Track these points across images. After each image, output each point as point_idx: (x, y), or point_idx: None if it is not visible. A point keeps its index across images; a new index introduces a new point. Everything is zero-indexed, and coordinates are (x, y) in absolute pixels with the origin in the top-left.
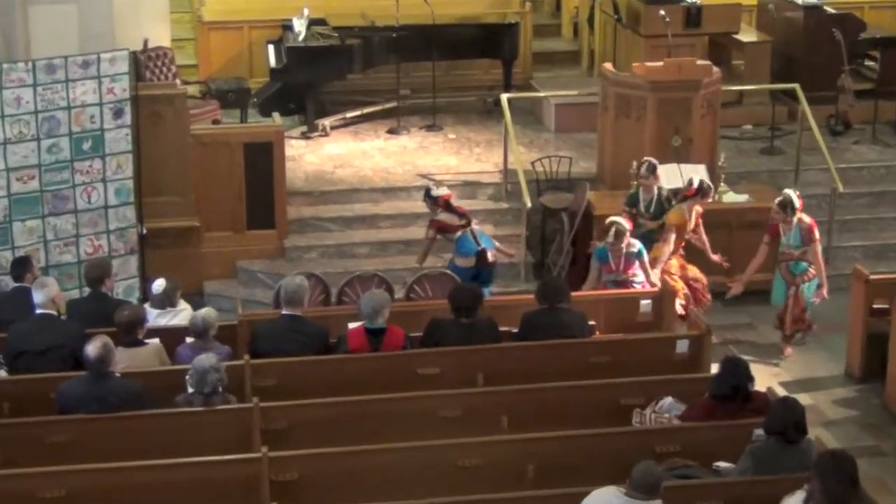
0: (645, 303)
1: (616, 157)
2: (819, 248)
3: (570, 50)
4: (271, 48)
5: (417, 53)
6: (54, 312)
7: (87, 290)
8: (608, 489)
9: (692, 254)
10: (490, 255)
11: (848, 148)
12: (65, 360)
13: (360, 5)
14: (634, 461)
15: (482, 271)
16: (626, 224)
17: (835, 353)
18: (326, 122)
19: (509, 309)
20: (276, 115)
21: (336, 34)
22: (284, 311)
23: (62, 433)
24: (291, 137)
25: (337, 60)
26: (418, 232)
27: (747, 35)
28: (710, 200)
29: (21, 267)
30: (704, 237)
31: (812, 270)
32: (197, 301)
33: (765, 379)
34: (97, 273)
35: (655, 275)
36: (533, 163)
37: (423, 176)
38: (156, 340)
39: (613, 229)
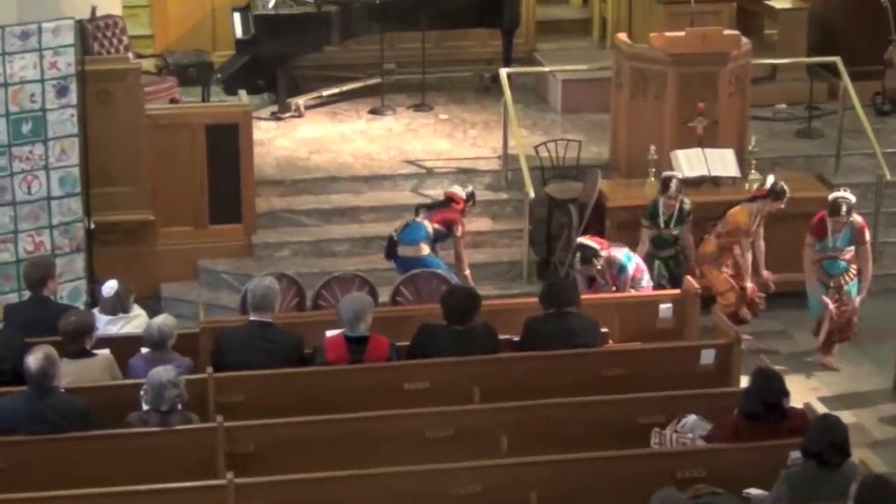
0: (665, 307)
1: (631, 141)
2: (870, 252)
3: (580, 18)
4: (237, 17)
5: (404, 22)
6: None
7: (26, 294)
8: None
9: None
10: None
11: None
12: (2, 373)
13: None
14: (653, 488)
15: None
16: (594, 245)
17: (882, 365)
18: (300, 100)
19: (510, 314)
20: (242, 93)
21: (311, 0)
22: (252, 318)
23: None
24: (260, 119)
25: (312, 30)
26: None
27: (781, 1)
28: (781, 206)
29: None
30: (762, 247)
31: (853, 270)
32: (153, 306)
33: (802, 394)
34: (39, 274)
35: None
36: (536, 147)
37: (411, 162)
38: (106, 351)
39: (578, 255)
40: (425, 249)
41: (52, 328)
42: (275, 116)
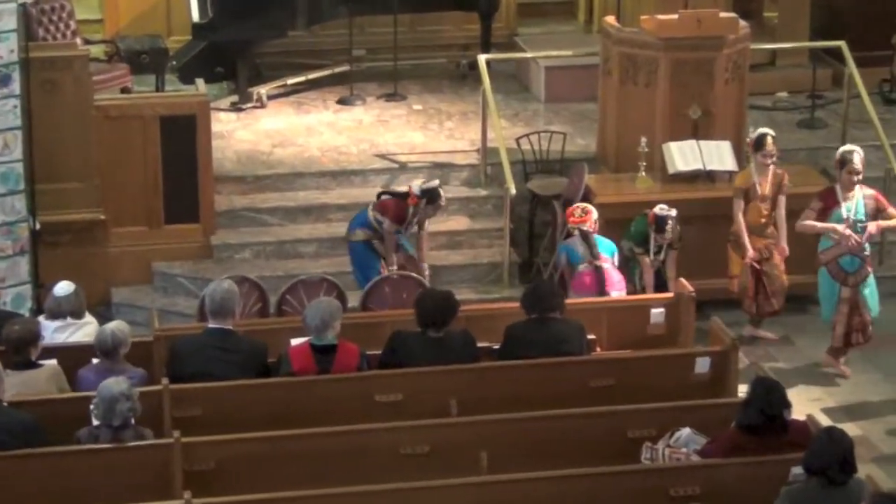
0: (656, 311)
1: (621, 133)
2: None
3: (565, 0)
4: None
5: (375, 5)
6: None
7: None
8: None
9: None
10: None
11: None
12: None
13: None
14: None
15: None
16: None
17: (889, 373)
18: (262, 90)
19: (490, 320)
20: (199, 81)
21: None
22: (211, 325)
23: None
24: (219, 109)
25: (275, 13)
26: None
27: None
28: (769, 161)
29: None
30: (783, 216)
31: (869, 268)
32: (103, 313)
33: (804, 405)
34: None
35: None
36: (518, 140)
37: (382, 156)
38: (53, 362)
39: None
40: (358, 235)
41: None
42: (235, 107)
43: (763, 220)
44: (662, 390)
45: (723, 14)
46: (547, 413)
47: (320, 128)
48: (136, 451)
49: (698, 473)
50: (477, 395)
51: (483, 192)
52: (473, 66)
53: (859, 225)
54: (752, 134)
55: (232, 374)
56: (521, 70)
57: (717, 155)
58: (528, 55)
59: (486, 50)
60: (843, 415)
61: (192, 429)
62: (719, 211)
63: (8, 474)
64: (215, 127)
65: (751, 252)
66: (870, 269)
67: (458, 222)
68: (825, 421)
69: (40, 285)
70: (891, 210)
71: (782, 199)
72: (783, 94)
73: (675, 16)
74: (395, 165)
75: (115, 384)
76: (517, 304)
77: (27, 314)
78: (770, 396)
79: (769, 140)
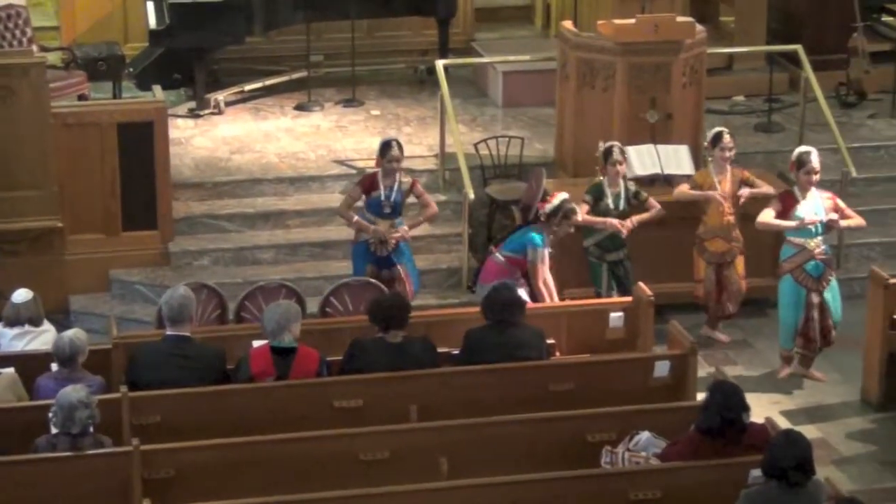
0: (616, 315)
1: (578, 137)
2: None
3: (521, 5)
4: (151, 6)
5: (332, 10)
6: None
7: None
8: None
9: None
10: None
11: (862, 123)
12: None
13: None
14: None
15: None
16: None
17: (848, 375)
18: (220, 96)
19: (449, 325)
20: (157, 88)
21: None
22: (169, 332)
23: None
24: (177, 116)
25: (233, 20)
26: (334, 231)
27: None
28: (727, 155)
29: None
30: (761, 185)
31: (831, 274)
32: (61, 320)
33: (763, 408)
34: None
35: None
36: (476, 145)
37: (341, 162)
38: (10, 370)
39: (561, 212)
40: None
41: None
42: (193, 113)
43: (728, 220)
44: (622, 394)
45: (679, 18)
46: (507, 418)
47: (278, 134)
48: (95, 459)
49: (658, 477)
50: (437, 400)
51: (442, 198)
52: (431, 71)
53: (820, 224)
54: (709, 133)
55: (190, 380)
56: (478, 75)
57: (674, 159)
58: (486, 60)
59: (443, 55)
60: (802, 417)
61: (152, 436)
62: (677, 215)
63: None
64: (173, 133)
65: (717, 195)
66: (833, 274)
67: (417, 228)
68: (784, 423)
69: None
70: (849, 211)
71: (758, 182)
72: (740, 98)
73: (632, 20)
74: (353, 171)
75: (74, 392)
76: (477, 310)
77: None
78: (728, 400)
79: (726, 135)
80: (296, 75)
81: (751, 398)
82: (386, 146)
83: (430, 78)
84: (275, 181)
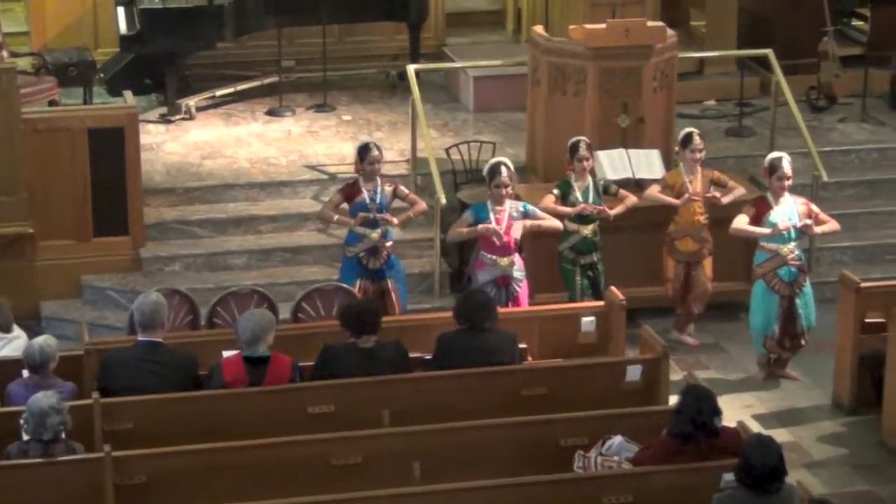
0: (587, 320)
1: (550, 142)
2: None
3: (492, 10)
4: (121, 11)
5: (303, 15)
6: None
7: None
8: None
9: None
10: None
11: (833, 127)
12: None
13: None
14: None
15: None
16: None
17: (820, 379)
18: (191, 101)
19: (421, 330)
20: (128, 93)
21: None
22: (141, 338)
23: None
24: (148, 121)
25: (203, 25)
26: (306, 237)
27: None
28: (697, 155)
29: None
30: (734, 186)
31: (805, 279)
32: (32, 327)
33: (734, 412)
34: None
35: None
36: (448, 150)
37: (312, 167)
38: None
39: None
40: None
41: None
42: (164, 119)
43: (698, 220)
44: (594, 398)
45: (650, 23)
46: (479, 422)
47: (249, 139)
48: (66, 465)
49: (631, 481)
50: (409, 405)
51: None
52: (403, 76)
53: (794, 230)
54: (679, 134)
55: (162, 386)
56: (450, 80)
57: (645, 163)
58: (457, 65)
59: (415, 60)
60: (774, 421)
61: (123, 442)
62: (649, 219)
63: None
64: (144, 139)
65: (691, 194)
66: (806, 279)
67: (407, 223)
68: (756, 427)
69: None
70: (823, 216)
71: (730, 182)
72: (711, 103)
73: (603, 25)
74: (325, 177)
75: (45, 398)
76: (449, 314)
77: None
78: (700, 404)
79: (696, 137)
80: (267, 80)
81: (723, 402)
82: (364, 149)
83: (401, 83)
84: (246, 186)
